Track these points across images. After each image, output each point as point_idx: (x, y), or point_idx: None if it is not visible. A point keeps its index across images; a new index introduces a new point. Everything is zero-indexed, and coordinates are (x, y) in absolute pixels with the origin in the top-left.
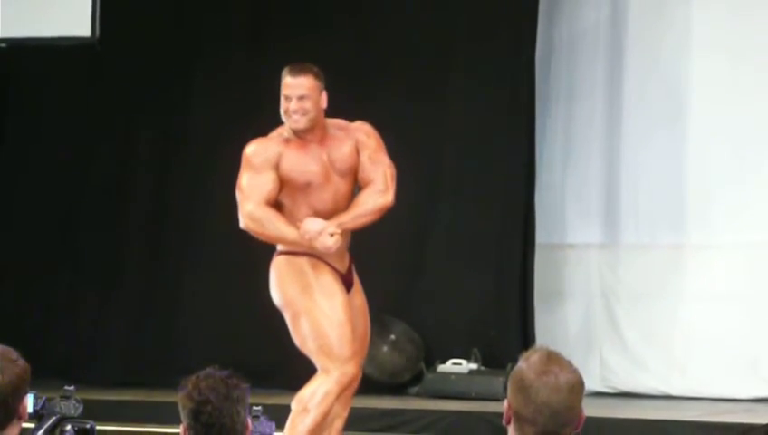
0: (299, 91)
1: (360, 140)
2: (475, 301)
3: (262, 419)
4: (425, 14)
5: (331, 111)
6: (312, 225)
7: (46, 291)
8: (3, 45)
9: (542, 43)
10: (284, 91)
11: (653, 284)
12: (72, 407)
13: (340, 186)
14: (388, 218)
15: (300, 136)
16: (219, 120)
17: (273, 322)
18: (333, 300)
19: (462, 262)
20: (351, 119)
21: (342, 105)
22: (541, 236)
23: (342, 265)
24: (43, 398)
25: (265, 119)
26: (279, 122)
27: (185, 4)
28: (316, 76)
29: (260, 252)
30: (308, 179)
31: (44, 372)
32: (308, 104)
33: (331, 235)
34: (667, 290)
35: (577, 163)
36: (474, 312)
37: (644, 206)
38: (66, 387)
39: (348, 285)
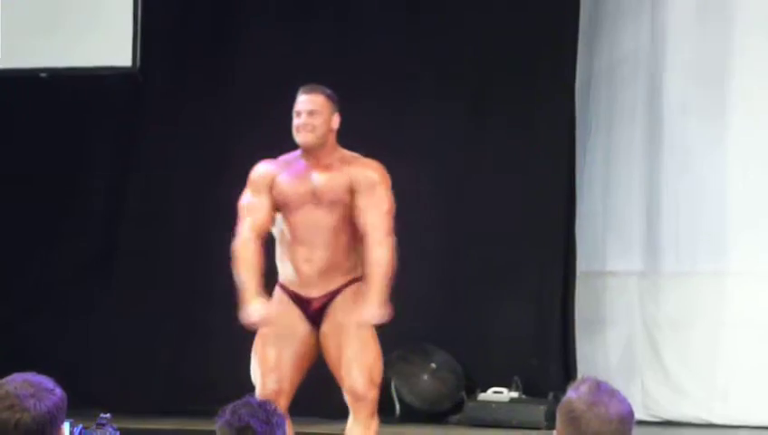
0: (309, 107)
1: (357, 180)
2: (516, 329)
3: None
4: (464, 42)
5: (376, 136)
6: (251, 316)
7: (84, 320)
8: (44, 75)
9: (582, 71)
10: (296, 107)
11: (694, 311)
12: (108, 434)
13: (320, 217)
14: (429, 246)
15: (305, 156)
16: (258, 149)
17: None
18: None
19: (503, 290)
20: (387, 145)
21: (377, 132)
22: (581, 265)
23: (317, 290)
24: (80, 426)
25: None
26: None
27: (223, 30)
28: (328, 97)
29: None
30: (286, 201)
31: (82, 402)
32: (317, 120)
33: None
34: (709, 318)
35: (617, 191)
36: (514, 340)
37: (684, 233)
38: (102, 415)
39: (315, 314)
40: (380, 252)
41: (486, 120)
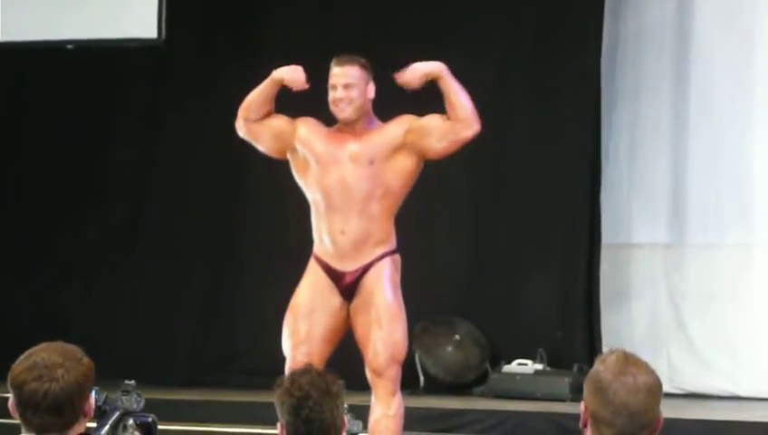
0: (344, 80)
1: (413, 121)
2: (541, 301)
3: (347, 417)
4: (490, 11)
5: (391, 109)
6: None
7: (111, 291)
8: (70, 47)
9: (608, 40)
10: (331, 80)
11: (720, 284)
12: (133, 401)
13: (355, 180)
14: (454, 218)
15: (344, 128)
16: None
17: None
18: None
19: (527, 262)
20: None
21: (403, 101)
22: (606, 236)
23: (351, 264)
24: (104, 393)
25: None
26: None
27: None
28: (363, 66)
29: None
30: (317, 155)
31: (109, 372)
32: (354, 93)
33: None
34: (735, 290)
35: (643, 162)
36: (539, 312)
37: (711, 205)
38: (127, 382)
39: (347, 288)
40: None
41: (511, 89)
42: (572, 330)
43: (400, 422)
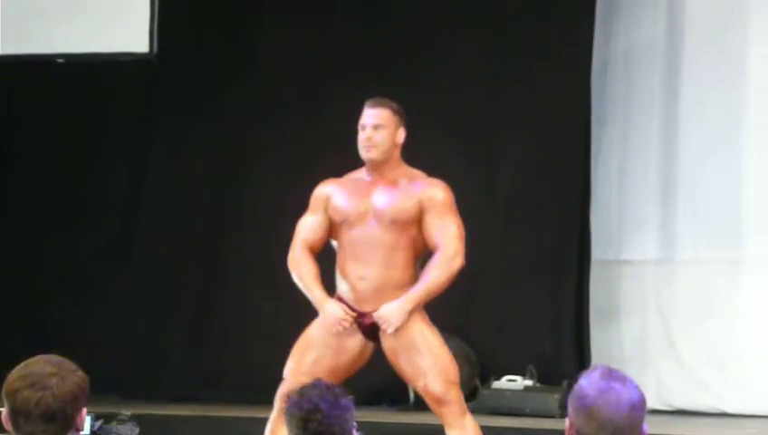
0: (374, 120)
1: (426, 200)
2: (531, 317)
3: None
4: (478, 28)
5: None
6: (330, 313)
7: (101, 305)
8: (61, 61)
9: (598, 57)
10: (361, 120)
11: (710, 300)
12: (129, 430)
13: (380, 235)
14: None
15: (370, 170)
16: (278, 137)
17: None
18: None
19: (517, 278)
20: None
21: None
22: (596, 253)
23: (372, 306)
24: (101, 420)
25: (329, 141)
26: (344, 152)
27: (241, 18)
28: (394, 111)
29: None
30: (342, 217)
31: (100, 387)
32: (382, 134)
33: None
34: (724, 307)
35: (633, 178)
36: (529, 328)
37: (701, 222)
38: (123, 412)
39: (369, 328)
40: (437, 274)
41: (500, 106)
42: (562, 346)
43: None
